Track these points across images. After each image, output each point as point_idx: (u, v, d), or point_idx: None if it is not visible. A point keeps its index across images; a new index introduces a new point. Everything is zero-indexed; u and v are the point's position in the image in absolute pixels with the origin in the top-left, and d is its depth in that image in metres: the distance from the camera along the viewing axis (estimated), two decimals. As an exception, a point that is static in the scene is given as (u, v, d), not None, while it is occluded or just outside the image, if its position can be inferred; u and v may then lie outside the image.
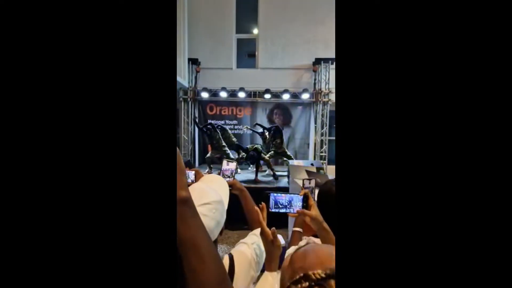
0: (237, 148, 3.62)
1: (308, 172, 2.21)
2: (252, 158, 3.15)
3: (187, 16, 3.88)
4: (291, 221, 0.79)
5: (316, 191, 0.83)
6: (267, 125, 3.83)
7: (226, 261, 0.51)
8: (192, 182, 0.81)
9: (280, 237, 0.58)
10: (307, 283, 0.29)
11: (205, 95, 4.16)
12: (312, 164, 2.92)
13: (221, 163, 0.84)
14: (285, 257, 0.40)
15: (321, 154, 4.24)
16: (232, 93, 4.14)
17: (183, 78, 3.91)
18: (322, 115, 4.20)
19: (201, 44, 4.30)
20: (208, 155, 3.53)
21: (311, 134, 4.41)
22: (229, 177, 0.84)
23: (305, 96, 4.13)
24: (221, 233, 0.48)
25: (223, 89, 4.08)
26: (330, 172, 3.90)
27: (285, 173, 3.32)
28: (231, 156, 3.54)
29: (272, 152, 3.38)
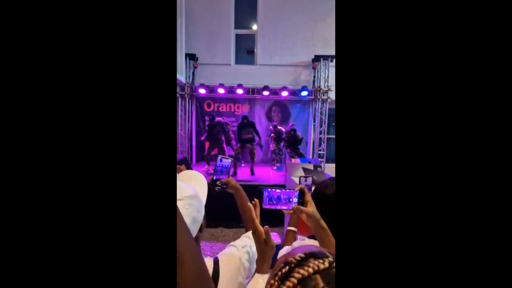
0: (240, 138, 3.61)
1: (305, 170, 2.20)
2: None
3: (185, 10, 3.81)
4: (287, 219, 0.77)
5: (313, 189, 0.81)
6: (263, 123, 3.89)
7: (210, 265, 0.48)
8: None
9: (276, 235, 0.55)
10: (287, 267, 0.28)
11: (202, 91, 4.11)
12: (309, 162, 2.91)
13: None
14: (278, 258, 0.37)
15: (319, 152, 4.23)
16: (230, 90, 4.10)
17: (180, 73, 3.85)
18: (321, 113, 4.18)
19: (198, 39, 4.24)
20: (206, 152, 3.54)
21: (309, 132, 4.39)
22: (224, 174, 0.81)
23: (304, 94, 4.10)
24: (201, 229, 0.45)
25: (221, 85, 4.04)
26: (328, 170, 3.90)
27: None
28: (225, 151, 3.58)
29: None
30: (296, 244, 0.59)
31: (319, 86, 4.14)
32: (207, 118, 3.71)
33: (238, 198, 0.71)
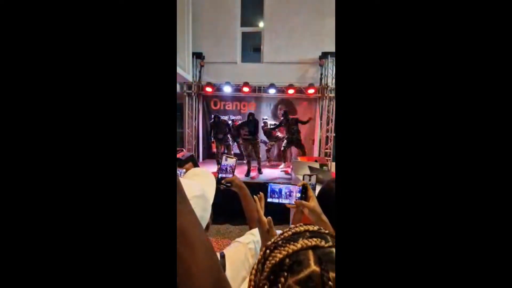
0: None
1: (311, 168, 2.19)
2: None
3: (191, 9, 3.83)
4: (292, 216, 0.78)
5: (318, 188, 0.81)
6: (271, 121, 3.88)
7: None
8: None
9: (279, 232, 0.57)
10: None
11: (209, 89, 4.14)
12: (316, 161, 2.89)
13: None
14: None
15: (326, 151, 4.18)
16: (236, 88, 4.11)
17: (187, 72, 3.89)
18: (328, 111, 4.13)
19: (205, 38, 4.26)
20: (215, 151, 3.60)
21: (316, 130, 4.35)
22: (228, 173, 0.82)
23: (311, 91, 4.06)
24: (207, 228, 0.46)
25: (227, 83, 4.05)
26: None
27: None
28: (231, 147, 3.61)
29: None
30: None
31: (327, 84, 4.08)
32: (212, 116, 3.76)
33: (242, 197, 0.73)
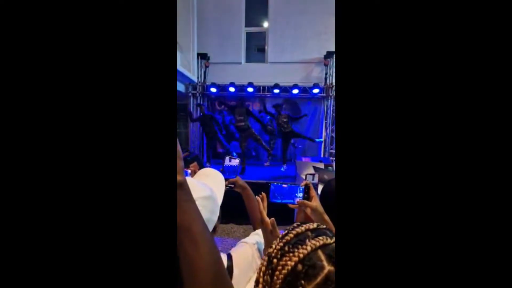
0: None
1: (316, 169, 2.17)
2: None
3: (196, 10, 3.87)
4: (295, 216, 0.78)
5: (320, 188, 0.81)
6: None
7: (224, 261, 0.50)
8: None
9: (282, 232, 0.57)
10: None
11: (213, 90, 4.17)
12: (320, 161, 2.87)
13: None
14: None
15: (331, 151, 4.15)
16: (241, 88, 4.12)
17: (192, 73, 3.93)
18: (333, 111, 4.09)
19: (210, 39, 4.28)
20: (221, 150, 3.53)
21: (321, 130, 4.32)
22: (231, 174, 0.82)
23: (316, 91, 4.03)
24: (214, 230, 0.46)
25: (232, 84, 4.07)
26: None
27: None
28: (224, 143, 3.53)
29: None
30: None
31: (331, 83, 4.04)
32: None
33: (246, 198, 0.74)
